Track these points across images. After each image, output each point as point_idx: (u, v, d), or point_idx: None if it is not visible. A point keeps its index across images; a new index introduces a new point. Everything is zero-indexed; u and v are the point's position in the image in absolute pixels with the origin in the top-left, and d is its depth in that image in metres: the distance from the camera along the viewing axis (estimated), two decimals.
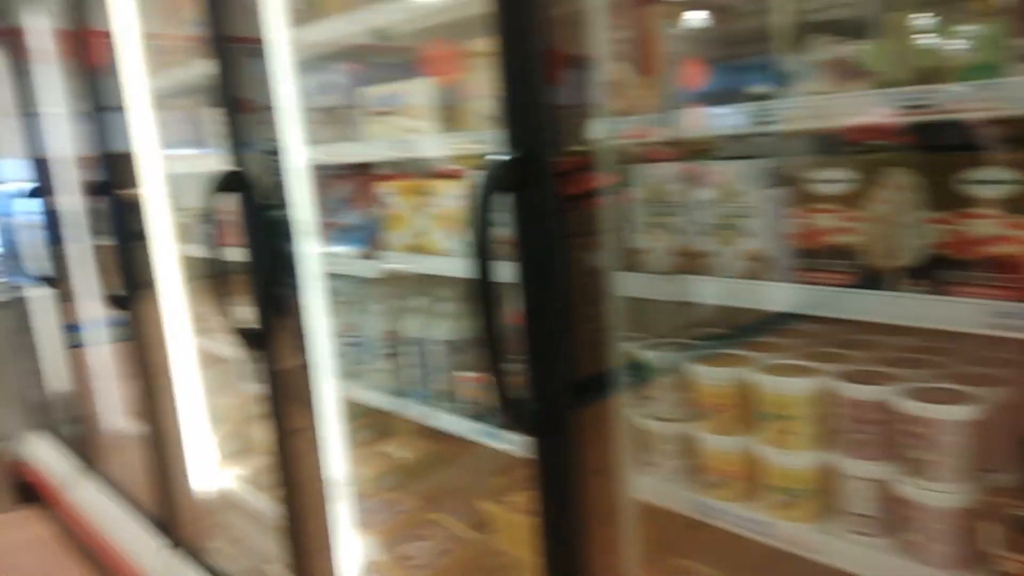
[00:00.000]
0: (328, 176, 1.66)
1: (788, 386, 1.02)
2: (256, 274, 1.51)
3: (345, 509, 1.63)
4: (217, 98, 1.47)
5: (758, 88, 1.13)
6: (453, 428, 1.49)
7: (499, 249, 0.92)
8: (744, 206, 1.04)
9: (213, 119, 2.00)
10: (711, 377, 1.09)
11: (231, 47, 1.41)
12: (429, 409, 1.53)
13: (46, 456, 3.08)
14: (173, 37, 2.06)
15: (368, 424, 1.90)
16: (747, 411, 1.08)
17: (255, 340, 1.56)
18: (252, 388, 1.77)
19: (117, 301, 2.10)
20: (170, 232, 2.08)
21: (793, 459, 1.03)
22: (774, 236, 1.01)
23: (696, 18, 1.24)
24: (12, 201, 3.08)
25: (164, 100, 2.08)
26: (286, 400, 1.58)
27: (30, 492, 3.23)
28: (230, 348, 2.09)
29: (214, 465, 2.22)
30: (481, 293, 0.91)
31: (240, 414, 2.28)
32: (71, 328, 2.83)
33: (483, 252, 0.89)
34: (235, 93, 1.44)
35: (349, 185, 1.72)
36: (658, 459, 1.16)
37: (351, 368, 1.67)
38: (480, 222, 0.89)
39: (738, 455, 1.08)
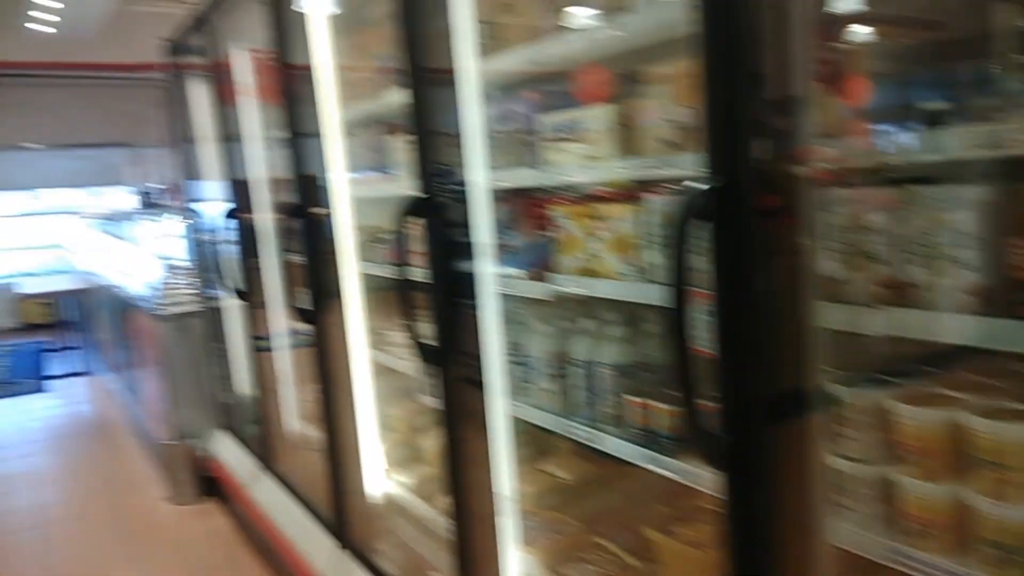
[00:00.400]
0: (496, 200, 1.71)
1: (1009, 432, 0.94)
2: (437, 293, 1.59)
3: (510, 525, 1.66)
4: (408, 126, 1.56)
5: (935, 105, 1.06)
6: (620, 452, 1.48)
7: (692, 277, 0.91)
8: (956, 234, 0.97)
9: (394, 146, 2.15)
10: (916, 418, 1.02)
11: (424, 78, 1.50)
12: (595, 432, 1.54)
13: (229, 454, 3.37)
14: (361, 70, 2.23)
15: (526, 442, 1.94)
16: (957, 456, 1.00)
17: (434, 355, 1.63)
18: (426, 400, 1.85)
19: (304, 314, 2.27)
20: (353, 250, 2.22)
21: (1012, 512, 0.94)
22: (991, 267, 0.93)
23: (877, 33, 1.19)
24: (210, 219, 3.43)
25: (351, 128, 2.24)
26: (460, 414, 1.64)
27: (213, 486, 3.54)
28: (401, 361, 2.21)
29: (382, 472, 2.33)
30: (676, 322, 0.91)
31: (408, 424, 2.39)
32: (257, 337, 3.09)
33: (680, 281, 0.89)
34: (426, 121, 1.53)
35: (516, 208, 1.77)
36: (851, 502, 1.09)
37: (514, 386, 1.71)
38: (677, 250, 0.88)
39: (945, 503, 1.00)
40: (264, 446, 3.07)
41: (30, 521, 3.46)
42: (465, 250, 1.56)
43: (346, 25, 2.25)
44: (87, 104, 9.41)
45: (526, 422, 1.72)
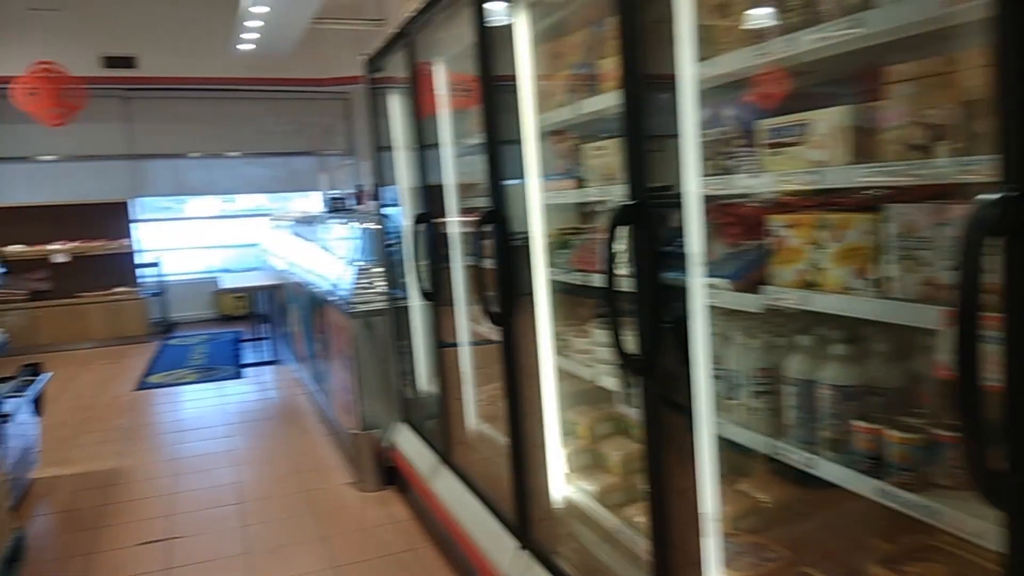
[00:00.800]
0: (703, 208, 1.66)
1: None
2: (643, 302, 1.56)
3: (712, 546, 1.60)
4: (621, 131, 1.54)
5: None
6: (840, 480, 1.39)
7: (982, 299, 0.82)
8: None
9: (588, 153, 2.15)
10: None
11: (641, 83, 1.48)
12: (812, 456, 1.45)
13: (409, 446, 3.53)
14: (554, 78, 2.25)
15: (722, 460, 1.87)
16: None
17: (637, 366, 1.60)
18: (620, 410, 1.84)
19: (493, 316, 2.33)
20: (543, 256, 2.25)
21: None
22: None
23: None
24: (398, 223, 3.61)
25: (543, 135, 2.27)
26: (662, 427, 1.60)
27: (394, 475, 3.73)
28: (584, 367, 2.20)
29: (563, 477, 2.34)
30: (967, 348, 0.82)
31: (590, 431, 2.38)
32: (440, 336, 3.21)
33: (970, 302, 0.80)
34: (640, 127, 1.51)
35: (719, 215, 1.71)
36: None
37: (715, 402, 1.65)
38: (970, 270, 0.80)
39: None
40: (444, 441, 3.19)
41: (230, 497, 3.80)
42: (674, 259, 1.52)
43: (542, 36, 2.29)
44: (279, 116, 10.27)
45: (724, 439, 1.66)
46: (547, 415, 2.30)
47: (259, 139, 10.16)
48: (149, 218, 9.81)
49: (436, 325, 3.21)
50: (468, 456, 3.05)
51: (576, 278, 2.20)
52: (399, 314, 3.70)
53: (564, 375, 2.36)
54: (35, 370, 4.31)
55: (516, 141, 2.24)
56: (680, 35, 1.44)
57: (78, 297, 8.48)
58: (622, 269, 1.60)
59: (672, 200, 1.50)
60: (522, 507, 2.36)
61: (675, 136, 1.48)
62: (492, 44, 2.22)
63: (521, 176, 2.28)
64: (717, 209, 1.67)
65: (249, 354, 7.47)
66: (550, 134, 2.31)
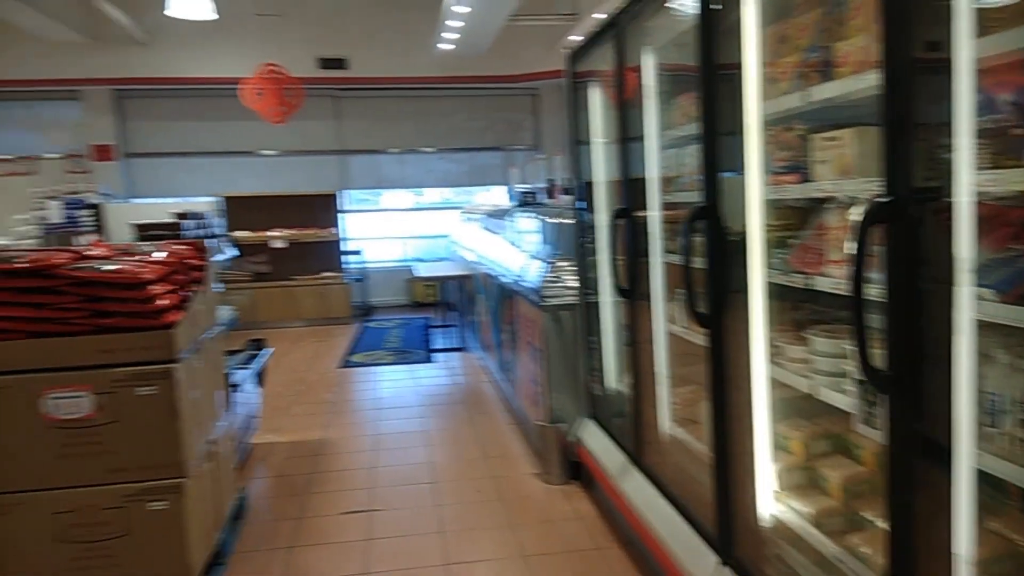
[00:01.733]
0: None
1: None
2: (894, 312, 1.39)
3: None
4: (883, 119, 1.38)
5: None
6: None
7: None
8: None
9: (818, 144, 1.98)
10: None
11: (907, 64, 1.32)
12: None
13: (596, 442, 3.49)
14: (779, 65, 2.09)
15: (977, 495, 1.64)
16: None
17: (886, 384, 1.44)
18: (861, 430, 1.67)
19: (700, 317, 2.22)
20: (759, 255, 2.11)
21: None
22: None
23: None
24: (593, 218, 3.57)
25: (764, 126, 2.12)
26: (911, 453, 1.43)
27: (579, 470, 3.71)
28: (800, 378, 2.03)
29: (771, 493, 2.18)
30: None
31: (804, 448, 2.20)
32: (633, 334, 3.13)
33: None
34: (902, 115, 1.34)
35: (992, 217, 1.49)
36: None
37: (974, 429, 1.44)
38: None
39: None
40: (634, 441, 3.11)
41: (425, 475, 3.97)
42: (935, 264, 1.34)
43: (766, 18, 2.13)
44: (470, 112, 10.65)
45: (980, 472, 1.45)
46: (756, 426, 2.15)
47: (450, 135, 10.61)
48: (353, 209, 10.58)
49: (631, 322, 3.13)
50: (660, 459, 2.95)
51: (795, 280, 2.03)
52: (589, 309, 3.67)
53: (775, 384, 2.20)
54: (259, 345, 4.77)
55: (733, 132, 2.11)
56: (958, 8, 1.26)
57: (292, 280, 9.33)
58: (870, 273, 1.44)
59: (937, 196, 1.32)
60: (725, 521, 2.24)
61: (939, 124, 1.30)
62: (713, 29, 2.11)
63: (737, 169, 2.15)
64: (985, 208, 1.46)
65: (438, 340, 7.82)
66: (771, 124, 2.15)
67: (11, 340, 2.39)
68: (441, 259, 10.13)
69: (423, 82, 10.06)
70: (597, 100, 3.55)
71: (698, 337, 2.49)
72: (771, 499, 2.17)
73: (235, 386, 3.75)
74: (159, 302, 2.53)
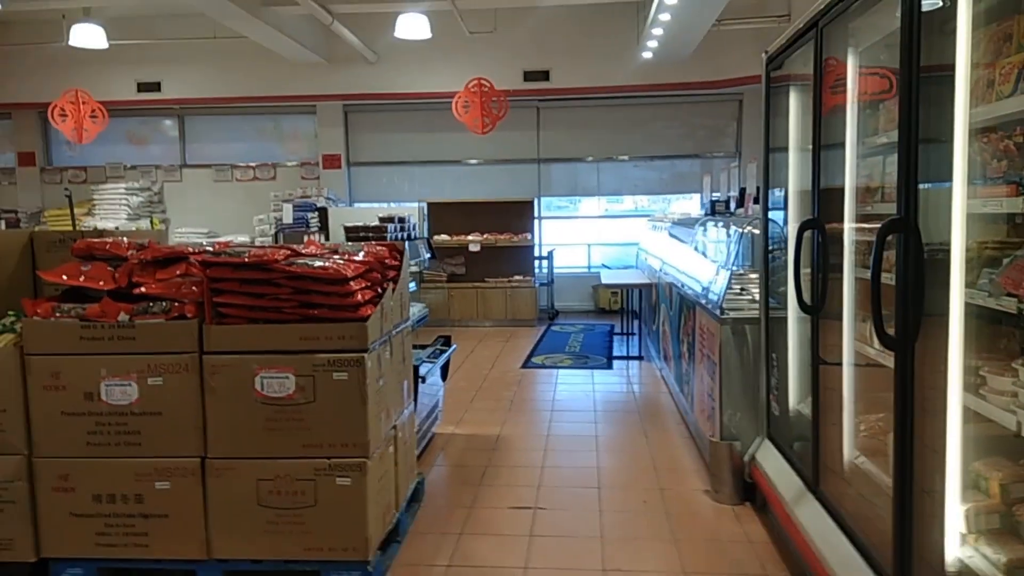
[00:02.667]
0: None
1: None
2: None
3: None
4: None
5: None
6: None
7: None
8: None
9: None
10: None
11: None
12: None
13: (772, 464, 3.32)
14: (999, 66, 1.88)
15: None
16: None
17: None
18: None
19: (887, 339, 2.04)
20: (960, 274, 1.90)
21: None
22: None
23: None
24: (783, 229, 3.40)
25: (975, 133, 1.92)
26: None
27: (752, 491, 3.54)
28: (1005, 413, 1.81)
29: (960, 537, 1.96)
30: None
31: (1004, 490, 1.95)
32: (819, 353, 2.94)
33: None
34: None
35: None
36: None
37: None
38: None
39: None
40: (812, 467, 2.92)
41: (591, 480, 3.99)
42: None
43: (983, 18, 1.93)
44: (669, 120, 10.50)
45: None
46: (949, 461, 1.94)
47: (647, 143, 10.53)
48: (546, 215, 10.86)
49: (815, 341, 2.94)
50: (839, 489, 2.74)
51: (1006, 304, 1.81)
52: (772, 324, 3.49)
53: (974, 417, 1.97)
54: (446, 342, 5.06)
55: (938, 139, 1.93)
56: None
57: (484, 282, 9.77)
58: None
59: None
60: (904, 562, 2.04)
61: None
62: (920, 29, 1.94)
63: (940, 179, 1.96)
64: None
65: (619, 347, 7.80)
66: (981, 131, 1.94)
67: (234, 324, 2.76)
68: (628, 267, 10.09)
69: (623, 91, 10.10)
70: (794, 105, 3.38)
71: (890, 360, 2.29)
72: (959, 543, 1.94)
73: (422, 378, 4.02)
74: (357, 297, 2.79)
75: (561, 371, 6.83)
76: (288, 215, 9.10)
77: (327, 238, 8.42)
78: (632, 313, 8.22)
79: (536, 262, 10.15)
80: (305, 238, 7.14)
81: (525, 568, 2.99)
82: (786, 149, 3.36)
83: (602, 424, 5.08)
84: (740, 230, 4.12)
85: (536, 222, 10.28)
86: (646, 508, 3.60)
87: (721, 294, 3.76)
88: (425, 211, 10.01)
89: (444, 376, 4.96)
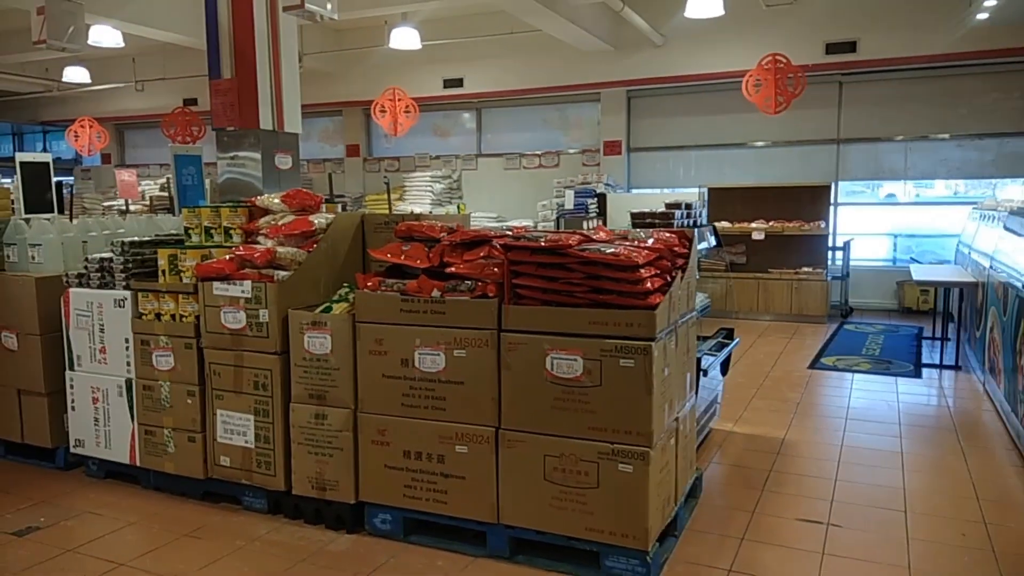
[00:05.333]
0: None
1: None
2: None
3: None
4: None
5: None
6: None
7: None
8: None
9: None
10: None
11: None
12: None
13: None
14: None
15: None
16: None
17: None
18: None
19: None
20: None
21: None
22: None
23: None
24: None
25: None
26: None
27: None
28: None
29: None
30: None
31: None
32: None
33: None
34: None
35: None
36: None
37: None
38: None
39: None
40: None
41: (894, 501, 3.56)
42: None
43: None
44: (1002, 91, 8.95)
45: None
46: None
47: (972, 119, 9.08)
48: (844, 202, 9.91)
49: None
50: None
51: None
52: None
53: None
54: (729, 334, 4.85)
55: None
56: None
57: (768, 273, 9.20)
58: None
59: None
60: None
61: None
62: None
63: None
64: None
65: (928, 354, 6.86)
66: None
67: (529, 306, 2.89)
68: (943, 262, 8.83)
69: (947, 59, 8.81)
70: None
71: None
72: None
73: (703, 371, 3.89)
74: (646, 284, 2.76)
75: (857, 375, 6.18)
76: (570, 200, 9.39)
77: (605, 223, 8.54)
78: (947, 315, 7.18)
79: (829, 253, 9.30)
80: (585, 224, 7.31)
81: None
82: None
83: (908, 440, 4.50)
84: None
85: (832, 208, 9.40)
86: (965, 542, 3.11)
87: None
88: (705, 197, 9.70)
89: (724, 370, 4.75)
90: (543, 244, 2.86)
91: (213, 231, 3.72)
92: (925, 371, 6.28)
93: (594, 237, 3.04)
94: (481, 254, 3.07)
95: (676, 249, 3.17)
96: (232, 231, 3.69)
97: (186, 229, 3.81)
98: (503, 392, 2.92)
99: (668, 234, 3.24)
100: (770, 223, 9.28)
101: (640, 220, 4.35)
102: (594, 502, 2.76)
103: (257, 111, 4.96)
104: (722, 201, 9.68)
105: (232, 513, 3.48)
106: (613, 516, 2.74)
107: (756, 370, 6.37)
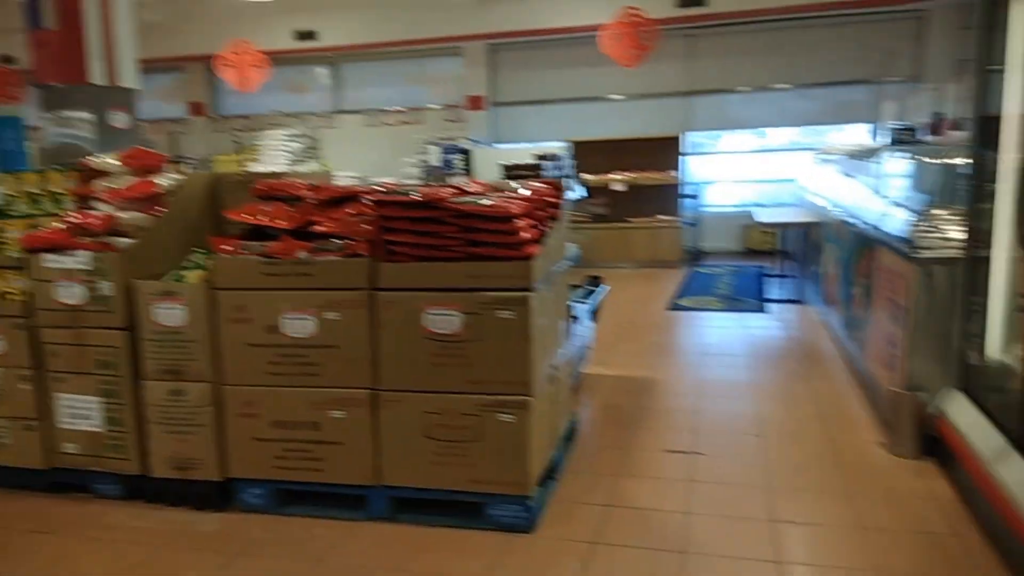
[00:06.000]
0: None
1: None
2: None
3: None
4: None
5: None
6: None
7: None
8: None
9: None
10: None
11: None
12: None
13: (965, 418, 3.02)
14: None
15: None
16: None
17: None
18: None
19: None
20: None
21: None
22: None
23: None
24: (995, 157, 3.00)
25: None
26: None
27: (936, 446, 3.26)
28: None
29: None
30: None
31: None
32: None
33: None
34: None
35: None
36: None
37: None
38: None
39: None
40: (1019, 422, 2.62)
41: (751, 427, 3.84)
42: None
43: None
44: (836, 43, 9.63)
45: None
46: None
47: (808, 70, 9.76)
48: (693, 152, 10.40)
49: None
50: None
51: None
52: (975, 265, 3.13)
53: None
54: (596, 281, 4.99)
55: None
56: None
57: (627, 222, 9.54)
58: None
59: None
60: None
61: None
62: None
63: None
64: None
65: (773, 290, 7.41)
66: None
67: (403, 263, 2.81)
68: (782, 205, 9.51)
69: (786, 12, 9.34)
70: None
71: None
72: None
73: (575, 318, 3.98)
74: (522, 235, 2.76)
75: (711, 314, 6.58)
76: (435, 157, 9.25)
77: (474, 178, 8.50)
78: (787, 254, 7.76)
79: (682, 201, 9.78)
80: (450, 180, 7.23)
81: (687, 513, 2.92)
82: (1001, 70, 2.93)
83: (759, 370, 4.86)
84: (936, 161, 3.70)
85: (682, 159, 9.85)
86: (814, 459, 3.41)
87: (913, 232, 3.41)
88: (569, 151, 9.87)
89: (594, 317, 4.90)
90: (416, 198, 2.78)
91: (41, 198, 3.35)
92: (771, 306, 6.78)
93: (468, 190, 3.00)
94: (350, 211, 2.95)
95: (549, 199, 3.19)
96: (62, 197, 3.33)
97: (7, 197, 3.39)
98: (380, 353, 2.84)
99: (542, 184, 3.25)
100: (629, 174, 9.60)
101: (512, 172, 4.35)
102: (477, 454, 2.77)
103: (85, 64, 4.47)
104: (585, 154, 9.88)
105: (84, 503, 3.20)
106: (496, 466, 2.76)
107: (621, 315, 6.62)
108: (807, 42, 9.71)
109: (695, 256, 9.83)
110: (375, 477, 2.90)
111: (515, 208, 2.72)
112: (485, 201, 2.73)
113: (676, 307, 6.93)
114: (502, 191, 3.03)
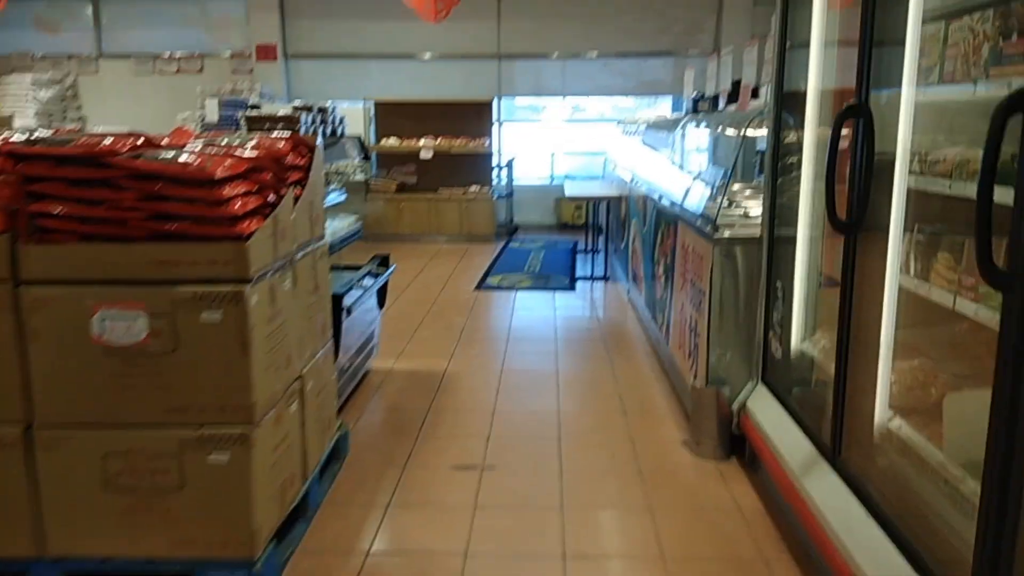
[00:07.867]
0: None
1: None
2: None
3: None
4: None
5: None
6: None
7: None
8: None
9: None
10: None
11: None
12: None
13: (768, 417, 2.73)
14: None
15: None
16: None
17: None
18: None
19: (995, 276, 1.38)
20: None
21: None
22: None
23: None
24: (795, 133, 2.69)
25: None
26: None
27: (740, 445, 2.98)
28: None
29: None
30: None
31: None
32: (835, 282, 2.29)
33: None
34: None
35: None
36: None
37: None
38: None
39: None
40: (830, 427, 2.32)
41: (550, 427, 3.42)
42: None
43: None
44: (642, 12, 9.52)
45: None
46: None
47: (618, 38, 9.59)
48: (507, 119, 9.95)
49: (848, 266, 2.26)
50: (864, 456, 2.16)
51: None
52: (777, 245, 2.84)
53: None
54: (383, 262, 4.31)
55: None
56: None
57: (437, 192, 8.92)
58: None
59: None
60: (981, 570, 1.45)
61: None
62: None
63: None
64: None
65: (583, 266, 7.15)
66: None
67: (60, 243, 1.99)
68: (595, 178, 9.34)
69: None
70: None
71: (968, 302, 1.66)
72: None
73: (346, 310, 3.30)
74: (233, 206, 2.03)
75: (520, 293, 6.16)
76: (213, 112, 8.04)
77: None
78: (597, 229, 7.54)
79: (495, 171, 9.31)
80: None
81: (465, 555, 2.38)
82: (806, 45, 2.59)
83: (564, 357, 4.46)
84: (735, 132, 3.39)
85: (495, 126, 9.37)
86: (614, 465, 3.01)
87: (713, 208, 3.07)
88: (372, 112, 9.04)
89: (381, 303, 4.24)
90: (73, 151, 1.96)
91: None
92: (579, 284, 6.50)
93: (161, 143, 2.20)
94: None
95: (287, 160, 2.46)
96: None
97: None
98: (33, 373, 2.01)
99: (278, 141, 2.50)
100: (439, 140, 8.96)
101: (257, 124, 3.52)
102: (180, 508, 2.04)
103: None
104: (391, 116, 9.11)
105: None
106: (206, 522, 2.05)
107: (424, 295, 6.03)
108: (614, 9, 9.52)
109: (509, 230, 9.44)
110: (36, 548, 2.08)
111: (220, 169, 1.98)
112: (175, 156, 1.97)
113: (485, 286, 6.44)
114: (215, 145, 2.26)
